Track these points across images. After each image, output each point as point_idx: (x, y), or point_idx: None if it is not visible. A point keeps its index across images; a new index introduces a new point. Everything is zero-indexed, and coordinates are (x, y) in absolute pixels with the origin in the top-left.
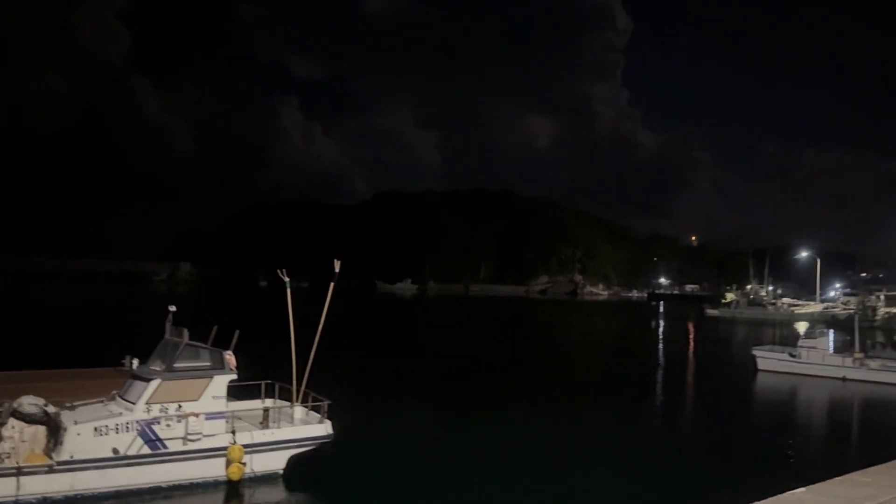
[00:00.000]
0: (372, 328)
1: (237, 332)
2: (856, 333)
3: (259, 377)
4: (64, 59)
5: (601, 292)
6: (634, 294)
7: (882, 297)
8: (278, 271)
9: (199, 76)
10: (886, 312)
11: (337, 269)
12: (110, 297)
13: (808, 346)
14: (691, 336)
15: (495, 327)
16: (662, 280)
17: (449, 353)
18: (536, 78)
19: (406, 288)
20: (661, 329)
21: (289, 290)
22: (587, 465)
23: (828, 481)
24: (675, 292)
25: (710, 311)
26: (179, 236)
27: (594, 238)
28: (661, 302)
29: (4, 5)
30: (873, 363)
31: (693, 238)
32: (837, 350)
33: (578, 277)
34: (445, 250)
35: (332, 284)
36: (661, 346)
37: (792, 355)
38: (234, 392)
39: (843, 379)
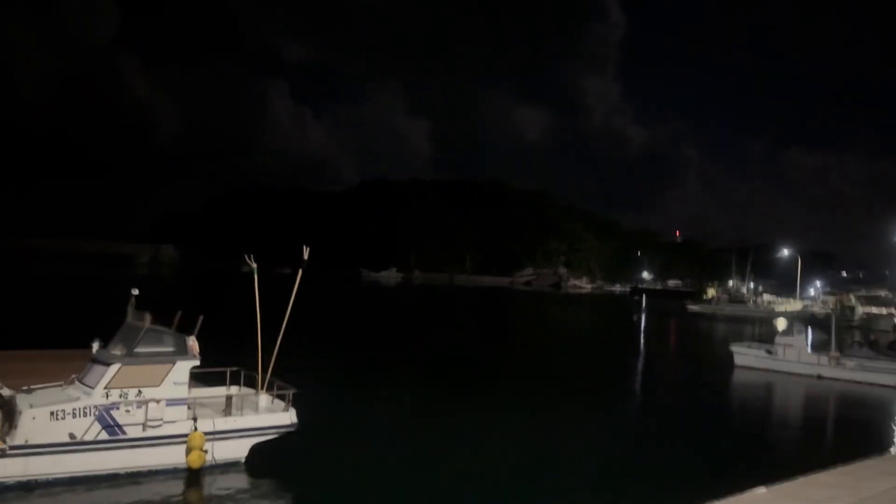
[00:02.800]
0: (352, 316)
1: (201, 317)
2: (833, 332)
3: (226, 364)
4: (50, 36)
5: (585, 285)
6: (617, 288)
7: (853, 297)
8: (245, 256)
9: (187, 56)
10: (865, 313)
11: (306, 256)
12: (88, 279)
13: (785, 343)
14: (672, 331)
15: (477, 317)
16: (645, 275)
17: (426, 343)
18: (529, 69)
19: (391, 276)
20: (642, 323)
21: (255, 276)
22: (558, 458)
23: (791, 481)
24: (658, 287)
25: (692, 307)
26: (162, 218)
27: (580, 232)
28: (644, 296)
29: None
30: (849, 362)
31: (677, 233)
32: (815, 348)
33: (563, 270)
34: (431, 239)
35: (300, 271)
36: (642, 339)
37: (769, 352)
38: (200, 379)
39: (819, 377)
